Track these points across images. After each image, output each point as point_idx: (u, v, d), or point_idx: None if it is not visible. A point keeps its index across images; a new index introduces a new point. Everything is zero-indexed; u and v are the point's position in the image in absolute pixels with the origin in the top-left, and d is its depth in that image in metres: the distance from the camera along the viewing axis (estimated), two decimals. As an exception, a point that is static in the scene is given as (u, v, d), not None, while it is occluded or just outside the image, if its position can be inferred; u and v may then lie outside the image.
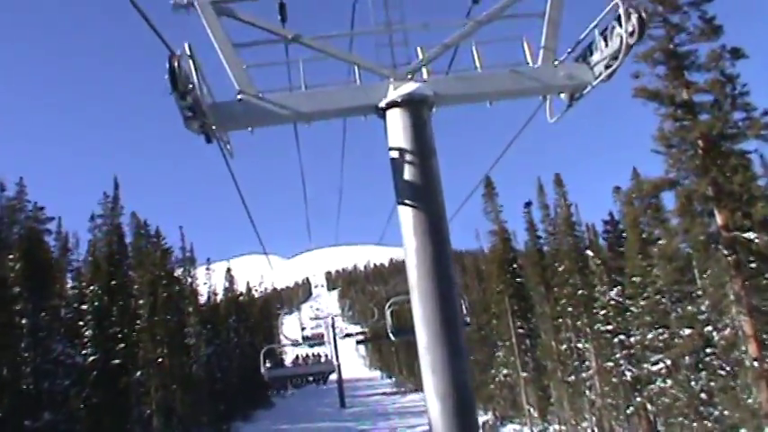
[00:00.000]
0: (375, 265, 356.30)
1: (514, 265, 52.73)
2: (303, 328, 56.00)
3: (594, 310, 38.59)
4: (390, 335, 19.30)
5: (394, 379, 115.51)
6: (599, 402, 37.29)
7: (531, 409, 48.19)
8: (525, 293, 50.63)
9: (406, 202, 6.41)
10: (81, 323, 39.85)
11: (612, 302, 37.20)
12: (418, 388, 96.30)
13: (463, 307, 17.42)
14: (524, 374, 47.74)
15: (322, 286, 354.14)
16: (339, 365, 49.36)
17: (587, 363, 39.60)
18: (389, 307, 19.07)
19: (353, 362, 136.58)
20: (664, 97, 23.19)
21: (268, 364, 34.40)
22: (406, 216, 6.45)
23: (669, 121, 23.26)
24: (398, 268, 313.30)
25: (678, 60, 23.02)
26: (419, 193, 6.39)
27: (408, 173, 6.41)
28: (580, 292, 39.90)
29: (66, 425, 31.76)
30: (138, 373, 39.80)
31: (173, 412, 43.69)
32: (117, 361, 37.42)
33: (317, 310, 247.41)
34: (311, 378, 41.55)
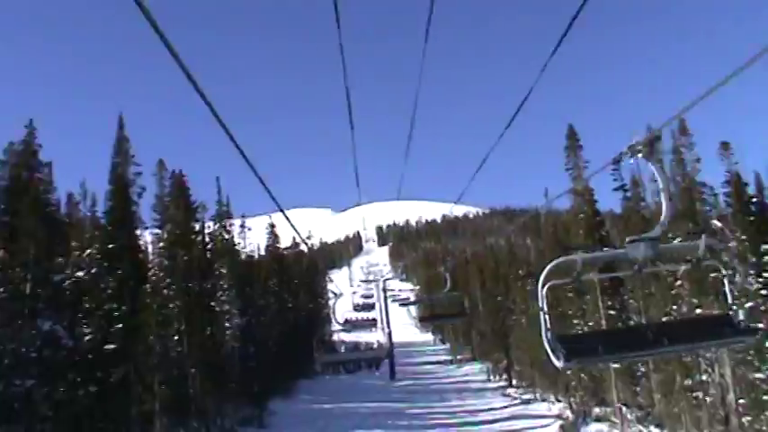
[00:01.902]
0: (427, 220, 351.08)
1: (603, 231, 43.71)
2: (356, 307, 49.22)
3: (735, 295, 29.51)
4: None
5: (448, 345, 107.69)
6: (734, 421, 28.40)
7: (624, 408, 39.48)
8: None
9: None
10: (84, 297, 32.55)
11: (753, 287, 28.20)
12: (476, 357, 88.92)
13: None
14: (615, 365, 39.04)
15: (373, 241, 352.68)
16: (390, 333, 44.57)
17: (709, 364, 30.66)
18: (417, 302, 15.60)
19: (404, 323, 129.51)
20: None
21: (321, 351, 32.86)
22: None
23: None
24: (451, 225, 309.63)
25: None
26: None
27: None
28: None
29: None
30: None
31: (187, 405, 36.31)
32: (112, 346, 29.75)
33: (369, 267, 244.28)
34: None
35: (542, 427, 45.93)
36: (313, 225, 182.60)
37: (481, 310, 76.60)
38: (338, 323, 34.62)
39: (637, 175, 41.12)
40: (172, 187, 44.35)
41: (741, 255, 29.41)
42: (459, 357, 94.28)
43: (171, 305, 38.38)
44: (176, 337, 37.34)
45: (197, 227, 47.21)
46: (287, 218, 9.80)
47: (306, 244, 61.17)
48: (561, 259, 6.86)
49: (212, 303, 48.71)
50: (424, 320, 61.00)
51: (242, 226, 65.77)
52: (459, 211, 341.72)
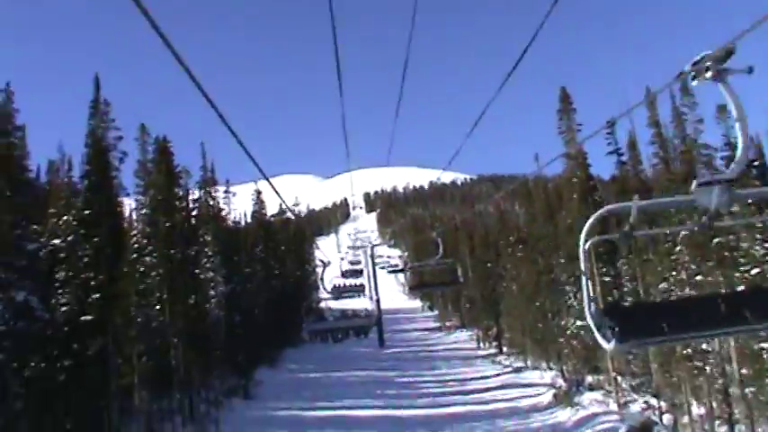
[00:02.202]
0: (415, 187, 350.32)
1: (597, 196, 42.53)
2: (344, 273, 48.49)
3: (738, 262, 28.22)
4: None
5: (437, 312, 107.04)
6: (736, 391, 27.43)
7: (619, 378, 38.63)
8: (610, 231, 40.75)
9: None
10: (60, 265, 31.07)
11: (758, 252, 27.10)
12: (464, 325, 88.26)
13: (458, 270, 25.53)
14: (679, 344, 38.09)
15: (360, 208, 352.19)
16: (378, 300, 43.66)
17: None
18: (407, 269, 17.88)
19: (392, 290, 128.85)
20: None
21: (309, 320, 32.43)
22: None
23: None
24: (439, 191, 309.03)
25: None
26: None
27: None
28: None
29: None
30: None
31: (170, 376, 35.04)
32: (89, 317, 28.34)
33: (357, 234, 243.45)
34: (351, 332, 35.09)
35: (535, 395, 45.16)
36: (300, 192, 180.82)
37: (471, 276, 75.61)
38: (326, 291, 33.74)
39: (634, 135, 39.99)
40: (155, 153, 42.71)
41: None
42: (447, 324, 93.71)
43: (153, 273, 36.92)
44: (158, 307, 35.91)
45: (180, 192, 45.53)
46: (272, 185, 9.29)
47: (292, 212, 59.82)
48: (612, 206, 5.43)
49: (197, 271, 47.35)
50: (415, 289, 58.72)
51: (226, 192, 64.16)
52: (447, 177, 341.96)
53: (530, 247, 53.82)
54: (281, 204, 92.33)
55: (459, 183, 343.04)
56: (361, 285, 39.69)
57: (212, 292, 54.91)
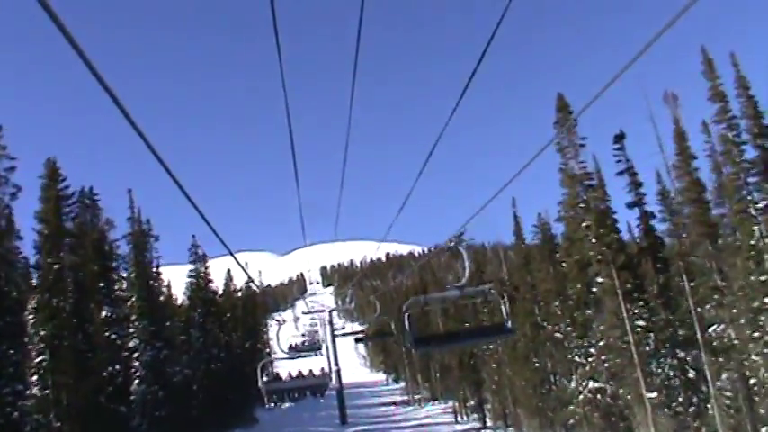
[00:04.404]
0: (372, 260, 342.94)
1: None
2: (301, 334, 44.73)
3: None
4: (410, 346, 12.66)
5: (404, 384, 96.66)
6: None
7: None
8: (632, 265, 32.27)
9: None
10: None
11: None
12: (436, 397, 78.39)
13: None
14: (652, 394, 29.05)
15: (317, 282, 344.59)
16: (339, 371, 37.72)
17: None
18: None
19: (353, 362, 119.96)
20: None
21: (265, 378, 28.80)
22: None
23: None
24: (396, 264, 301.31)
25: None
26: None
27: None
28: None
29: None
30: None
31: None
32: None
33: (313, 303, 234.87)
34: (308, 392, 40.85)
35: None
36: (256, 269, 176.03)
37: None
38: (282, 350, 29.65)
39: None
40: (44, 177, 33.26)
41: None
42: (417, 397, 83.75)
43: (33, 332, 27.05)
44: (35, 377, 25.88)
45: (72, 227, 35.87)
46: (236, 260, 10.57)
47: (254, 284, 52.44)
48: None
49: (107, 334, 37.57)
50: (359, 341, 60.20)
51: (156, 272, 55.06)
52: (404, 249, 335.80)
53: (522, 295, 45.04)
54: (225, 281, 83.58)
55: (416, 254, 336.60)
56: (318, 344, 35.78)
57: (136, 363, 45.11)
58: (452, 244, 11.43)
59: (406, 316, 12.27)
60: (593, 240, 34.14)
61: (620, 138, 35.59)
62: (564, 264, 39.01)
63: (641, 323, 30.32)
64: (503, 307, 11.83)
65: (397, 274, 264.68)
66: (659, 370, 29.52)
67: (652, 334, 30.10)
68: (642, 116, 33.20)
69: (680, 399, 29.63)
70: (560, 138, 36.70)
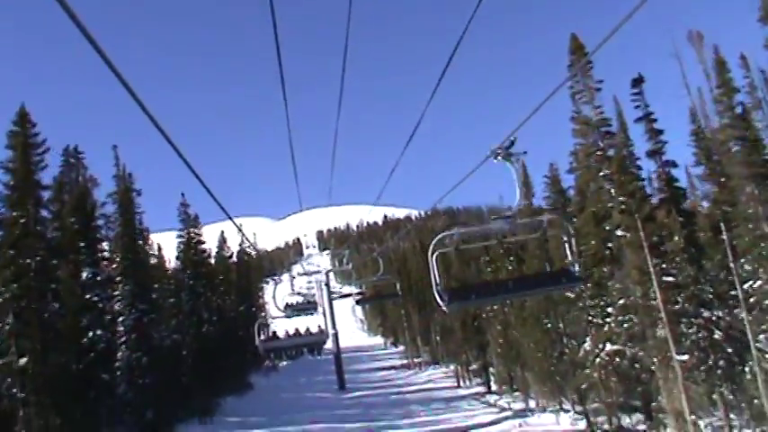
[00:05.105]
0: (368, 223, 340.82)
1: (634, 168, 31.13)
2: (296, 293, 42.77)
3: None
4: (440, 301, 9.11)
5: (403, 347, 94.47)
6: None
7: (693, 416, 26.65)
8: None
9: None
10: None
11: None
12: (437, 360, 76.19)
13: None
14: (683, 356, 26.31)
15: (314, 246, 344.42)
16: (336, 334, 39.15)
17: None
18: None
19: (350, 326, 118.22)
20: None
21: (262, 337, 30.69)
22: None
23: None
24: (393, 227, 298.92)
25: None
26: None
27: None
28: None
29: None
30: None
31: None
32: None
33: (309, 265, 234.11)
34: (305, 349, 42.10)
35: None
36: (253, 234, 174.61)
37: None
38: (278, 308, 31.00)
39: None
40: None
41: None
42: (417, 361, 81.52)
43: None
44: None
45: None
46: (235, 224, 11.73)
47: (255, 249, 50.44)
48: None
49: (89, 296, 34.80)
50: (360, 303, 65.31)
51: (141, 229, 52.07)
52: (401, 213, 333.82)
53: (528, 252, 42.24)
54: (217, 245, 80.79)
55: (413, 218, 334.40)
56: (315, 303, 33.74)
57: (121, 328, 42.47)
58: (498, 156, 8.16)
59: (434, 259, 8.99)
60: (612, 192, 31.31)
61: (638, 81, 32.41)
62: (575, 219, 36.10)
63: (669, 279, 27.46)
64: (567, 245, 9.28)
65: (394, 236, 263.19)
66: (690, 330, 26.72)
67: (680, 291, 27.27)
68: (662, 62, 30.12)
69: (709, 362, 26.96)
70: (574, 81, 33.69)
